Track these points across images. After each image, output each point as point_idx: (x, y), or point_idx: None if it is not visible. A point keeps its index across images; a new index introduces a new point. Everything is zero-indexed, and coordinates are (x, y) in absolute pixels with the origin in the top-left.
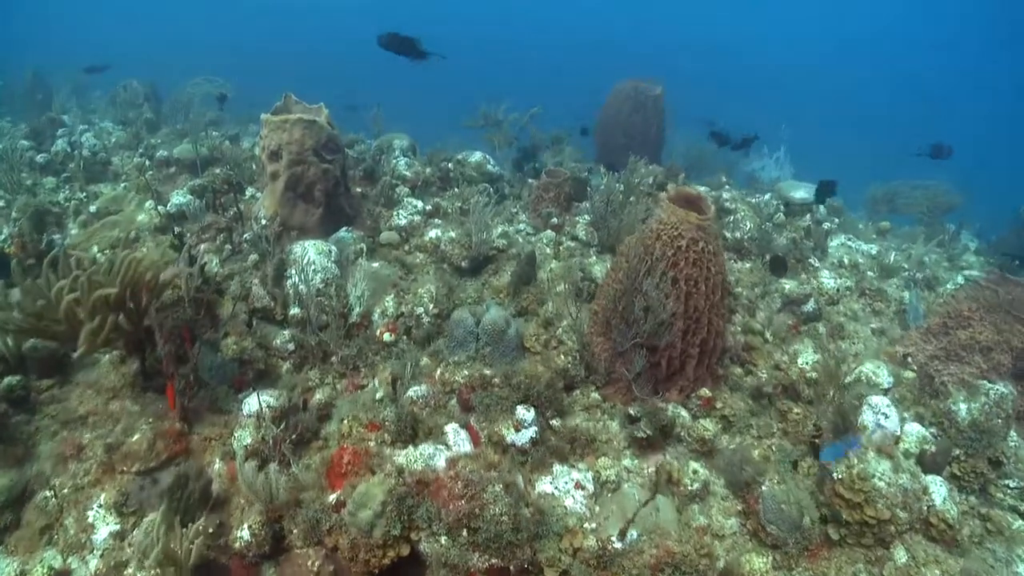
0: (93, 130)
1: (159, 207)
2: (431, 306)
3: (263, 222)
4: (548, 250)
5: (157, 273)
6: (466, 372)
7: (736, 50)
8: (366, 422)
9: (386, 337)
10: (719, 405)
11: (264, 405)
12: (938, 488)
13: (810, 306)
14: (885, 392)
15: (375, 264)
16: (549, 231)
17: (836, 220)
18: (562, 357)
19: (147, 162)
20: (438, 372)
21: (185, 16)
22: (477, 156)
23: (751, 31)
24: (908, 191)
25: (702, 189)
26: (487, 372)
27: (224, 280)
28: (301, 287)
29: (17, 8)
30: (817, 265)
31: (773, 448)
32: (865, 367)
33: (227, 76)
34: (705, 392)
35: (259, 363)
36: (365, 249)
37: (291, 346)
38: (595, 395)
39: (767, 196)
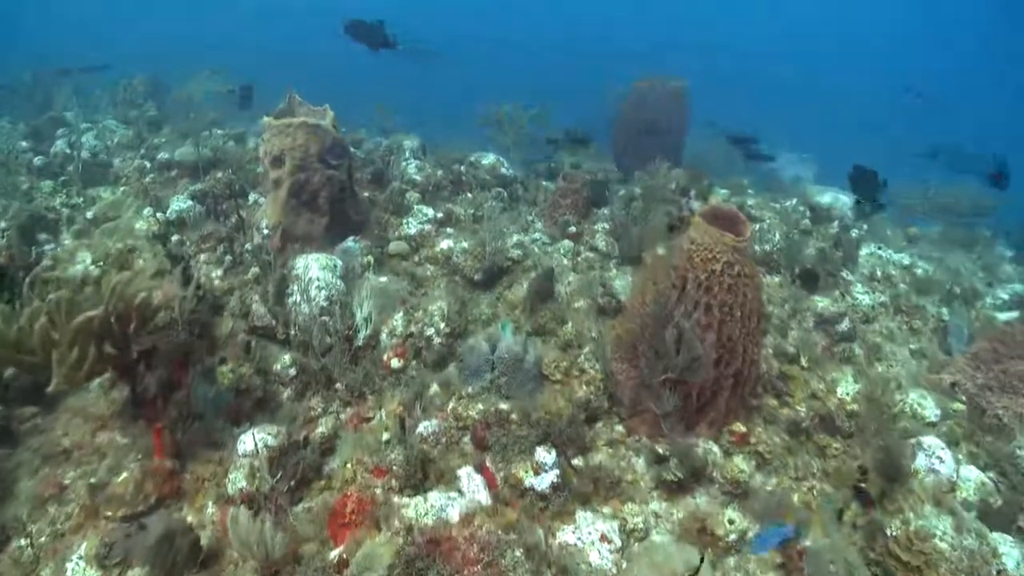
0: (96, 129)
1: (158, 214)
2: (442, 325)
3: (265, 232)
4: (566, 261)
5: (148, 296)
6: (480, 406)
7: (739, 49)
8: (372, 467)
9: (394, 363)
10: (753, 440)
11: (261, 444)
12: (1010, 550)
13: (844, 325)
14: (932, 425)
15: (383, 278)
16: (567, 241)
17: (864, 226)
18: (584, 387)
19: (148, 164)
20: (450, 405)
21: (191, 13)
22: (490, 158)
23: (754, 30)
24: (907, 191)
25: (723, 193)
26: (504, 407)
27: (223, 295)
28: (303, 306)
29: (18, 7)
30: (849, 279)
31: (814, 493)
32: (910, 397)
33: (234, 72)
34: (739, 427)
35: (258, 391)
36: (372, 262)
37: (292, 371)
38: (619, 427)
39: (792, 201)
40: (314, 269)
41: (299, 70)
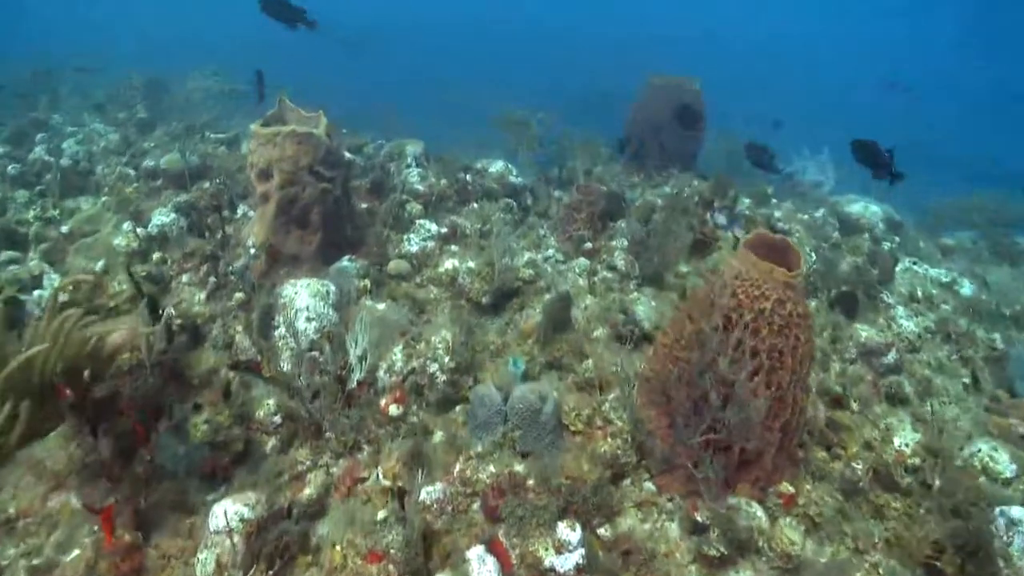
0: (82, 132)
1: (137, 228)
2: (447, 359)
3: (252, 251)
4: (581, 281)
5: (101, 339)
6: (492, 468)
7: (739, 46)
8: (365, 551)
9: (392, 410)
10: (801, 501)
11: (236, 519)
12: None
13: (891, 357)
14: (1007, 483)
15: (380, 305)
16: (582, 259)
17: (896, 238)
18: (610, 440)
19: (132, 172)
20: (457, 467)
21: (198, 8)
22: (499, 166)
23: (756, 27)
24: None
25: (746, 203)
26: (519, 469)
27: (206, 322)
28: (291, 341)
29: (20, 5)
30: (889, 300)
31: (880, 571)
32: (980, 449)
33: (237, 72)
34: (786, 488)
35: (237, 443)
36: (369, 285)
37: (278, 419)
38: (649, 485)
39: (821, 212)
40: (303, 296)
41: (300, 70)
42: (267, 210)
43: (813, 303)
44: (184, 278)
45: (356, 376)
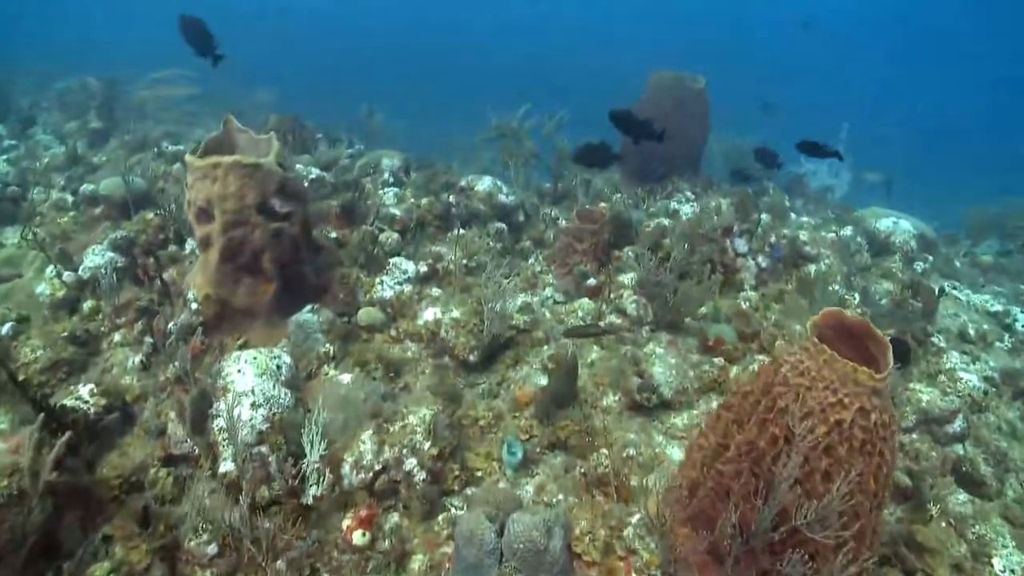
0: (24, 145)
1: (63, 273)
2: (427, 446)
3: (194, 305)
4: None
5: None
6: None
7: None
8: None
9: (357, 537)
10: None
11: None
12: None
13: (957, 425)
14: None
15: (346, 377)
16: (585, 299)
17: (929, 257)
18: None
19: (70, 198)
20: None
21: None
22: (486, 183)
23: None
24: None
25: (765, 219)
26: None
27: (137, 401)
28: (229, 438)
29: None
30: (940, 343)
31: None
32: None
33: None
34: None
35: None
36: (332, 351)
37: (213, 548)
38: None
39: (848, 230)
40: (249, 375)
41: (280, 72)
42: (209, 257)
43: None
44: (117, 336)
45: (313, 491)
